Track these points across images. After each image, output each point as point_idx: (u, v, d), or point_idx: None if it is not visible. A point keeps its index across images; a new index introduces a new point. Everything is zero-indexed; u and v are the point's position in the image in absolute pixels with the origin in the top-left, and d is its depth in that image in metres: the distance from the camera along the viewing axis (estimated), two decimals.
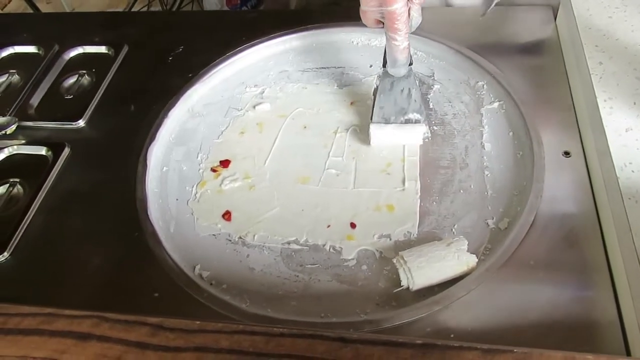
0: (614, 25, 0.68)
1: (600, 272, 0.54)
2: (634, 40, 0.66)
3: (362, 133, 0.71)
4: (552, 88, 0.70)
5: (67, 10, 2.18)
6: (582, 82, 0.66)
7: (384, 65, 0.65)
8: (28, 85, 0.83)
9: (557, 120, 0.67)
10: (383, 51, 0.65)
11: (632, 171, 0.54)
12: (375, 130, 0.68)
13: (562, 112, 0.67)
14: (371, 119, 0.68)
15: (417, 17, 0.60)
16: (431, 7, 0.59)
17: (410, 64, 0.65)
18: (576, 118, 0.67)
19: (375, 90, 0.75)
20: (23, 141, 0.76)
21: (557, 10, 0.79)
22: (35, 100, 0.82)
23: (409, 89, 0.66)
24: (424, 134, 0.68)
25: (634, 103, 0.60)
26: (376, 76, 0.78)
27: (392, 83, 0.66)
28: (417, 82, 0.67)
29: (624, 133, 0.57)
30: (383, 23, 0.60)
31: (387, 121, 0.67)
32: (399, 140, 0.68)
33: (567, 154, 0.63)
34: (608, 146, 0.56)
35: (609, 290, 0.52)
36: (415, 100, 0.67)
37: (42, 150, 0.74)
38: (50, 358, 0.40)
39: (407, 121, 0.67)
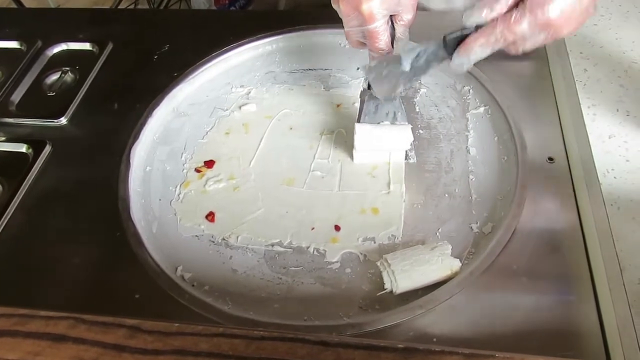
0: (599, 33, 0.68)
1: (582, 278, 0.54)
2: (618, 48, 0.66)
3: (348, 136, 0.71)
4: (537, 94, 0.71)
5: (52, 6, 2.15)
6: (566, 88, 0.67)
7: (369, 87, 0.64)
8: (9, 82, 0.82)
9: (542, 126, 0.67)
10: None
11: (615, 177, 0.54)
12: (360, 131, 0.65)
13: (547, 118, 0.68)
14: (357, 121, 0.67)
15: (403, 40, 0.59)
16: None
17: None
18: (560, 124, 0.67)
19: (362, 92, 0.75)
20: (3, 138, 0.75)
21: None
22: (16, 97, 0.81)
23: (395, 112, 0.65)
24: (410, 159, 0.67)
25: (617, 110, 0.60)
26: (363, 79, 0.77)
27: (377, 106, 0.65)
28: (402, 105, 0.65)
29: (607, 139, 0.58)
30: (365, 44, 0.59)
31: (371, 134, 0.66)
32: (386, 143, 0.67)
33: (551, 159, 0.64)
34: (591, 152, 0.57)
35: (591, 295, 0.53)
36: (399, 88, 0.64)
37: (23, 148, 0.73)
38: None
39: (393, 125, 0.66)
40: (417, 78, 0.60)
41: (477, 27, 0.52)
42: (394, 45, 0.59)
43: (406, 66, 0.58)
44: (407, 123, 0.65)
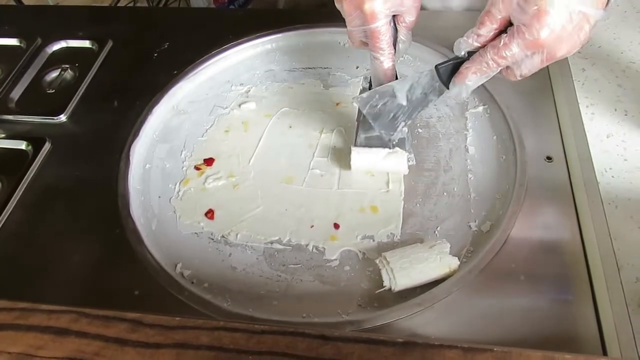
0: (597, 33, 0.69)
1: (580, 276, 0.54)
2: (616, 48, 0.67)
3: (347, 134, 0.71)
4: (536, 93, 0.71)
5: (52, 4, 2.15)
6: (565, 87, 0.67)
7: (370, 89, 0.62)
8: (9, 79, 0.82)
9: (540, 125, 0.67)
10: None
11: (612, 176, 0.55)
12: (357, 155, 0.65)
13: (545, 117, 0.68)
14: (354, 143, 0.66)
15: (405, 42, 0.59)
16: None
17: None
18: (559, 123, 0.67)
19: (361, 92, 0.75)
20: (3, 135, 0.75)
21: None
22: (16, 94, 0.81)
23: (394, 114, 0.63)
24: (409, 161, 0.65)
25: (615, 109, 0.61)
26: (362, 79, 0.78)
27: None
28: None
29: (605, 139, 0.58)
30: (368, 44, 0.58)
31: (369, 147, 0.65)
32: (382, 168, 0.66)
33: (549, 158, 0.64)
34: (589, 151, 0.57)
35: (588, 293, 0.53)
36: (400, 125, 0.64)
37: (22, 145, 0.73)
38: (26, 353, 0.39)
39: (392, 146, 0.65)
40: (417, 112, 0.59)
41: (470, 54, 0.53)
42: (396, 48, 0.59)
43: (402, 99, 0.58)
44: (407, 128, 0.64)
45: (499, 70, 0.52)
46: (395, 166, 0.65)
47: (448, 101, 0.73)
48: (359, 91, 0.75)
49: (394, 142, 0.65)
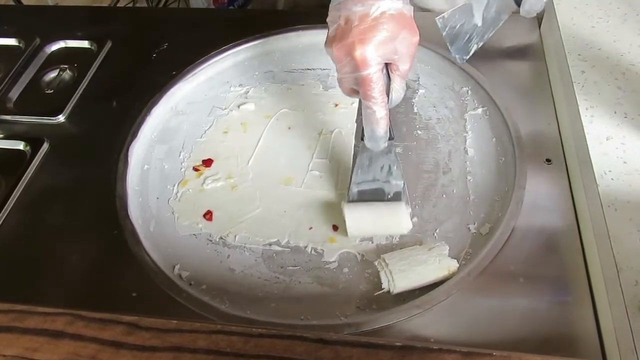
0: (597, 35, 0.69)
1: (579, 279, 0.54)
2: (615, 50, 0.67)
3: (346, 136, 0.71)
4: (535, 95, 0.71)
5: (51, 4, 2.15)
6: (564, 90, 0.67)
7: (362, 138, 0.59)
8: (7, 79, 0.82)
9: (540, 128, 0.67)
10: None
11: (612, 179, 0.55)
12: (353, 225, 0.60)
13: (545, 120, 0.68)
14: (347, 199, 0.62)
15: (399, 91, 0.55)
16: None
17: (391, 138, 0.58)
18: (558, 126, 0.67)
19: (355, 154, 0.69)
20: (1, 135, 0.74)
21: (542, 18, 0.79)
22: (14, 94, 0.80)
23: (390, 166, 0.60)
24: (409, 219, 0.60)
25: (615, 112, 0.60)
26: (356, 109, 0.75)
27: (370, 158, 0.59)
28: (398, 158, 0.61)
29: (604, 141, 0.58)
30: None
31: (363, 200, 0.61)
32: (383, 231, 0.61)
33: (548, 161, 0.64)
34: (589, 154, 0.57)
35: (587, 296, 0.53)
36: (395, 178, 0.61)
37: (20, 145, 0.73)
38: (21, 356, 0.39)
39: (388, 201, 0.62)
40: (489, 34, 0.62)
41: None
42: (389, 96, 0.55)
43: (478, 19, 0.59)
44: (402, 180, 0.61)
45: None
46: (397, 226, 0.60)
47: (447, 103, 0.73)
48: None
49: (389, 196, 0.62)
